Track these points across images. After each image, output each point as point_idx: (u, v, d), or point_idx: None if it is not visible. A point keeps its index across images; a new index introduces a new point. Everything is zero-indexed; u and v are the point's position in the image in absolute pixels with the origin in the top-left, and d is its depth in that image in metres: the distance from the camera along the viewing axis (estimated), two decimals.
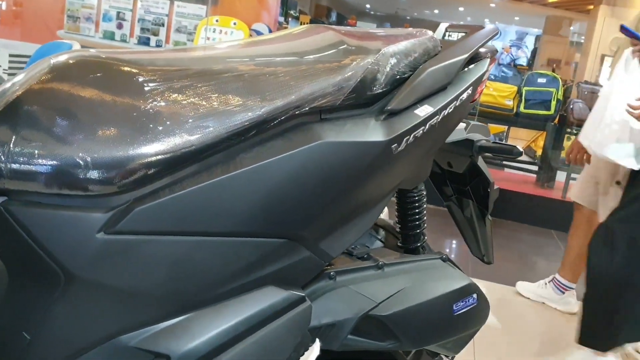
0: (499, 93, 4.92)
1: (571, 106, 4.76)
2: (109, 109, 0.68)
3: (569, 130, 4.93)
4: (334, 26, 0.95)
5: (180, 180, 0.71)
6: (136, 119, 0.69)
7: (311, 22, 11.79)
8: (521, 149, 1.11)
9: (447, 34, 1.19)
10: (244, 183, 0.73)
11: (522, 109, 4.91)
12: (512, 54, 6.00)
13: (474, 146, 1.13)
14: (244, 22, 5.09)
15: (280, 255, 0.79)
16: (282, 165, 0.75)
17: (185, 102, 0.72)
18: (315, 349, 0.82)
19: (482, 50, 1.07)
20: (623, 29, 2.07)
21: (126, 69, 0.73)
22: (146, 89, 0.71)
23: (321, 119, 0.82)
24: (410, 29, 1.05)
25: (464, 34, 1.09)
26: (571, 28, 12.05)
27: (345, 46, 0.87)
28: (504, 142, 6.67)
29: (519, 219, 4.37)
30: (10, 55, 5.54)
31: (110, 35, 5.75)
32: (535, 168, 5.69)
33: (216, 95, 0.73)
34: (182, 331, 0.73)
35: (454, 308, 0.98)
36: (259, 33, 5.16)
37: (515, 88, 4.97)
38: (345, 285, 0.90)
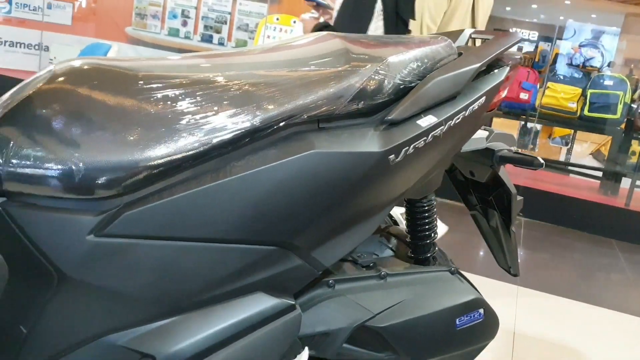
0: (562, 95, 4.73)
1: (639, 110, 4.52)
2: (104, 115, 0.71)
3: (635, 135, 4.68)
4: (343, 34, 0.95)
5: (170, 187, 0.73)
6: (129, 126, 0.71)
7: None
8: (542, 161, 1.07)
9: (470, 40, 1.16)
10: (233, 191, 0.75)
11: (586, 112, 4.70)
12: (582, 54, 5.74)
13: (494, 156, 1.10)
14: None
15: (270, 262, 0.79)
16: (272, 174, 0.76)
17: (179, 109, 0.73)
18: (304, 357, 0.82)
19: (506, 57, 1.05)
20: None
21: (125, 75, 0.75)
22: (142, 96, 0.74)
23: (319, 127, 0.82)
24: (426, 35, 1.03)
25: (487, 40, 1.06)
26: None
27: (349, 55, 0.87)
28: (570, 145, 6.39)
29: (578, 227, 4.20)
30: (82, 51, 5.82)
31: (175, 32, 5.93)
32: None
33: (210, 103, 0.75)
34: (168, 333, 0.75)
35: (457, 322, 0.95)
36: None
37: (579, 90, 4.77)
38: (343, 294, 0.90)
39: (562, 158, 6.53)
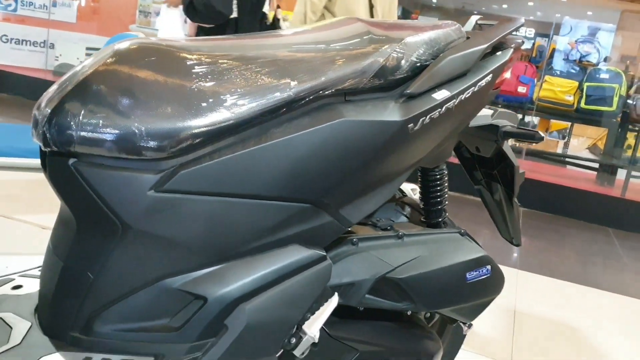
0: (559, 88, 4.85)
1: (634, 102, 4.64)
2: (161, 87, 0.82)
3: (630, 127, 4.80)
4: (363, 18, 1.05)
5: (219, 150, 0.83)
6: (183, 97, 0.81)
7: None
8: (542, 134, 1.18)
9: (477, 26, 1.27)
10: (272, 154, 0.85)
11: (582, 104, 4.82)
12: (578, 50, 5.86)
13: (499, 131, 1.20)
14: None
15: (303, 218, 0.90)
16: (307, 139, 0.87)
17: (225, 83, 0.84)
18: (334, 301, 0.93)
19: (509, 41, 1.15)
20: None
21: (177, 54, 0.86)
22: (193, 71, 0.84)
23: (345, 100, 0.92)
24: (439, 21, 1.14)
25: (492, 25, 1.17)
26: None
27: (371, 36, 0.97)
28: (566, 138, 6.50)
29: (575, 216, 4.32)
30: (87, 48, 5.92)
31: None
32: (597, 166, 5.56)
33: (252, 77, 0.85)
34: (218, 278, 0.85)
35: (467, 276, 1.06)
36: None
37: (576, 84, 4.89)
38: (366, 250, 1.01)
39: (559, 151, 6.65)
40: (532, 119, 5.92)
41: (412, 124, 0.94)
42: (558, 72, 5.32)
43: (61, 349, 0.84)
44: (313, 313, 0.92)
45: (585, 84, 4.81)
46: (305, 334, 0.89)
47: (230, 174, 0.84)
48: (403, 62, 0.96)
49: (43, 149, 0.82)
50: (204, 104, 0.82)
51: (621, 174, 4.89)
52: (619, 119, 4.89)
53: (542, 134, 1.18)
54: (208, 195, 0.83)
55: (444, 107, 0.98)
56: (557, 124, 6.68)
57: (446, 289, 1.04)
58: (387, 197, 0.99)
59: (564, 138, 6.90)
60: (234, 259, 0.87)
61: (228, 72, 0.85)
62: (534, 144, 1.19)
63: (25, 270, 1.07)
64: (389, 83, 0.96)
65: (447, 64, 1.00)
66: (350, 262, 0.98)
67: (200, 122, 0.81)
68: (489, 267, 1.09)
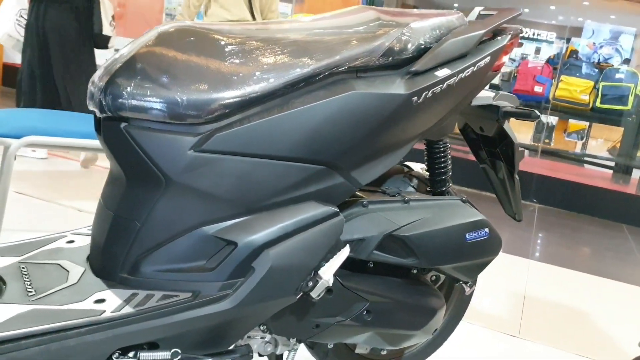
0: (575, 88, 4.93)
1: None
2: (199, 63, 0.96)
3: None
4: (375, 7, 1.19)
5: (248, 117, 0.97)
6: (218, 71, 0.96)
7: None
8: (538, 113, 1.30)
9: (480, 16, 1.40)
10: (294, 120, 0.99)
11: (598, 103, 4.89)
12: (597, 51, 5.92)
13: (499, 111, 1.33)
14: None
15: (319, 178, 1.03)
16: (323, 108, 1.00)
17: (253, 60, 0.98)
18: (345, 251, 1.06)
19: (509, 29, 1.28)
20: None
21: (212, 35, 1.00)
22: (226, 50, 0.98)
23: (357, 76, 1.06)
24: (443, 10, 1.27)
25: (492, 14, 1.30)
26: None
27: (380, 21, 1.11)
28: (585, 139, 6.53)
29: (589, 212, 4.39)
30: (115, 50, 6.13)
31: None
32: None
33: (276, 55, 0.99)
34: (246, 227, 0.99)
35: (467, 237, 1.18)
36: None
37: (591, 83, 4.96)
38: (375, 212, 1.14)
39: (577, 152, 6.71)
40: (549, 119, 5.99)
41: (415, 97, 1.07)
42: (576, 75, 5.38)
43: (112, 287, 0.99)
44: (327, 261, 1.05)
45: (601, 84, 4.88)
46: (320, 277, 1.02)
47: (257, 137, 0.97)
48: (409, 44, 1.09)
49: (98, 115, 0.97)
50: (235, 78, 0.96)
51: (637, 173, 4.94)
52: (634, 118, 4.95)
53: (537, 112, 1.30)
54: (239, 155, 0.97)
55: (445, 84, 1.11)
56: (575, 125, 6.73)
57: (447, 247, 1.17)
58: (393, 163, 1.12)
59: (582, 139, 6.95)
60: (260, 211, 1.01)
61: (256, 51, 0.99)
62: (530, 121, 1.31)
63: (75, 229, 1.22)
64: (396, 62, 1.09)
65: (448, 45, 1.12)
66: (360, 220, 1.11)
67: (232, 94, 0.95)
68: (487, 229, 1.21)
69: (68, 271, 1.04)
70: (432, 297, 1.25)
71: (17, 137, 1.73)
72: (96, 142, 1.91)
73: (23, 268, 1.03)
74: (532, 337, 2.17)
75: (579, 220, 4.28)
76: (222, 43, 0.99)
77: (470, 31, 1.17)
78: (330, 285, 1.04)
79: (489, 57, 1.19)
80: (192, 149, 0.95)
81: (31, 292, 0.95)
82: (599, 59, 6.00)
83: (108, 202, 1.03)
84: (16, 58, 6.37)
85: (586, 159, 5.78)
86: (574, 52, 5.87)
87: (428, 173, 1.32)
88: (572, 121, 6.43)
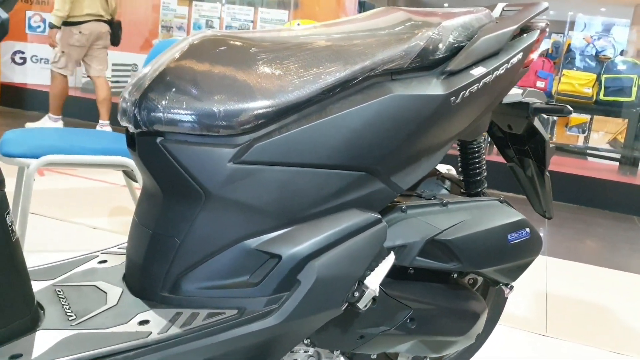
0: (578, 81, 4.92)
1: None
2: (233, 73, 0.93)
3: None
4: (404, 7, 1.17)
5: (286, 125, 0.94)
6: (253, 80, 0.93)
7: None
8: (571, 108, 1.27)
9: (503, 12, 1.38)
10: (332, 127, 0.96)
11: (601, 96, 4.89)
12: (594, 45, 5.91)
13: (529, 108, 1.30)
14: None
15: (360, 185, 1.01)
16: (361, 113, 0.98)
17: (287, 67, 0.95)
18: (390, 259, 1.03)
19: (536, 24, 1.25)
20: None
21: (244, 44, 0.97)
22: (259, 58, 0.96)
23: (392, 79, 1.03)
24: (471, 7, 1.25)
25: (517, 11, 1.27)
26: None
27: (412, 22, 1.08)
28: (586, 132, 6.51)
29: (600, 206, 4.37)
30: (113, 64, 6.10)
31: None
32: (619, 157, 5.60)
33: (310, 62, 0.97)
34: (289, 238, 0.96)
35: (509, 238, 1.16)
36: None
37: (594, 76, 4.95)
38: (414, 217, 1.11)
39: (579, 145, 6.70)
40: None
41: (454, 97, 1.05)
42: (575, 68, 5.38)
43: (154, 307, 0.96)
44: (372, 270, 1.02)
45: (603, 76, 4.88)
46: (367, 287, 0.99)
47: (296, 146, 0.95)
48: (441, 44, 1.07)
49: (132, 130, 0.94)
50: (271, 86, 0.93)
51: None
52: (639, 109, 4.94)
53: (569, 107, 1.28)
54: (279, 165, 0.94)
55: (481, 82, 1.08)
56: (576, 118, 6.72)
57: (490, 249, 1.14)
58: (432, 166, 1.09)
59: (583, 132, 6.94)
60: (302, 221, 0.98)
61: (289, 58, 0.97)
62: (563, 116, 1.28)
63: (106, 249, 1.19)
64: (430, 62, 1.06)
65: (481, 43, 1.10)
66: (401, 226, 1.09)
67: (269, 102, 0.92)
68: (527, 229, 1.19)
69: (105, 292, 1.01)
70: (474, 301, 1.22)
71: (36, 157, 1.70)
72: (115, 159, 1.88)
73: (59, 291, 1.00)
74: (561, 334, 2.14)
75: (590, 214, 4.26)
76: (254, 51, 0.97)
77: (501, 28, 1.14)
78: (377, 294, 1.01)
79: (521, 54, 1.17)
80: (231, 160, 0.92)
81: (71, 316, 0.92)
82: (596, 52, 5.98)
83: (144, 220, 1.00)
84: (14, 77, 6.34)
85: (591, 152, 5.76)
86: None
87: (462, 174, 1.29)
88: (573, 115, 6.42)
